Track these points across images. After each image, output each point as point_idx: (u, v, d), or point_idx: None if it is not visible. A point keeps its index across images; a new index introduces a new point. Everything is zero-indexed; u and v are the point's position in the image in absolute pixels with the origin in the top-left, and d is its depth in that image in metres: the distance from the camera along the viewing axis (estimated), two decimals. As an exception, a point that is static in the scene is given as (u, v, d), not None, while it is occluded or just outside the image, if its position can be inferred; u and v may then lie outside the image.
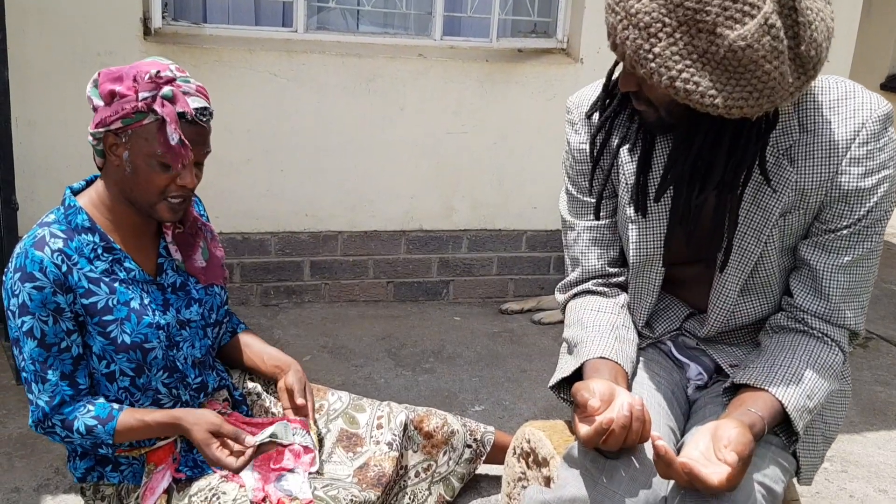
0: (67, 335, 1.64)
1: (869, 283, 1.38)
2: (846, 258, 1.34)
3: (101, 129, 1.63)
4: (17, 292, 1.60)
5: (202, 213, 1.95)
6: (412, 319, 3.45)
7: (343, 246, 3.49)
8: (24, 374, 1.65)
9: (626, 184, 1.43)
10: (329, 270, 3.50)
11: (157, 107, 1.57)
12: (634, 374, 1.44)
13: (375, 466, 1.94)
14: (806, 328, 1.38)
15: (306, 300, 3.51)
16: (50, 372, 1.63)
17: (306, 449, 1.85)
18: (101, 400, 1.70)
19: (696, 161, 1.26)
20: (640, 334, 1.52)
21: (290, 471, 1.82)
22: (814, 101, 1.32)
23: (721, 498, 1.16)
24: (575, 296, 1.55)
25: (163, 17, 3.05)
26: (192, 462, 1.83)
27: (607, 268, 1.54)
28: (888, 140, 1.31)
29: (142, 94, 1.57)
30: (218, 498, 1.75)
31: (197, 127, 1.63)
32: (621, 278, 1.54)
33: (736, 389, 1.35)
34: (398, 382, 2.86)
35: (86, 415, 1.67)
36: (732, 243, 1.35)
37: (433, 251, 3.60)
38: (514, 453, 1.78)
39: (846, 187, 1.31)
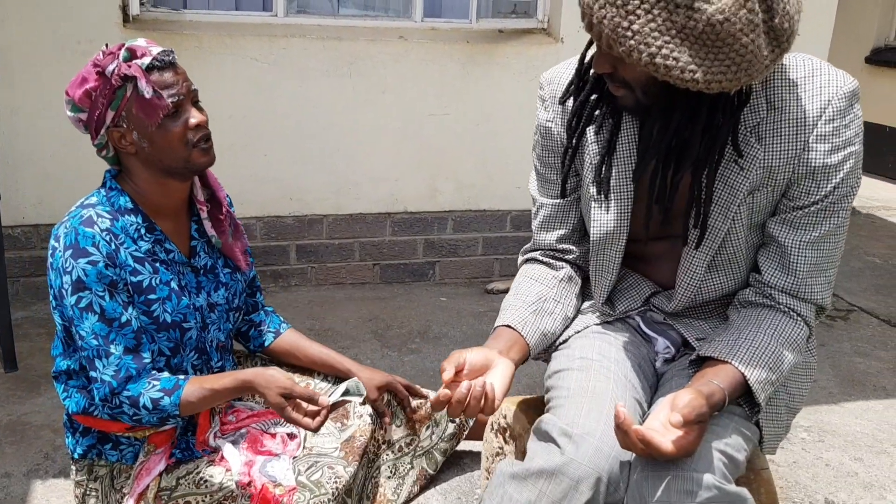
0: (125, 308, 1.64)
1: (835, 258, 1.41)
2: (814, 234, 1.37)
3: (102, 133, 1.65)
4: (69, 269, 1.60)
5: (229, 203, 1.96)
6: (398, 301, 3.48)
7: (328, 229, 3.51)
8: (85, 352, 1.64)
9: (591, 164, 1.46)
10: (315, 254, 3.53)
11: (125, 71, 1.59)
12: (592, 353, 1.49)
13: (361, 437, 1.98)
14: (773, 303, 1.42)
15: (293, 284, 3.54)
16: (112, 346, 1.63)
17: (291, 436, 1.89)
18: (166, 373, 1.71)
19: (673, 140, 1.29)
20: (601, 311, 1.56)
21: (276, 456, 1.86)
22: (781, 79, 1.34)
23: (680, 465, 1.19)
24: (525, 262, 1.62)
25: (142, 4, 3.06)
26: (185, 444, 1.87)
27: (556, 244, 1.59)
28: (854, 117, 1.33)
29: (108, 70, 1.60)
30: (205, 480, 1.79)
31: (169, 68, 1.65)
32: (570, 256, 1.60)
33: (701, 362, 1.38)
34: (384, 363, 2.90)
35: (151, 389, 1.67)
36: (707, 220, 1.38)
37: (418, 233, 3.63)
38: (493, 429, 1.83)
39: (813, 164, 1.34)
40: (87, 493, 1.91)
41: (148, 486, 1.79)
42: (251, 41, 3.18)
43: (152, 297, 1.70)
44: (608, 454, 1.24)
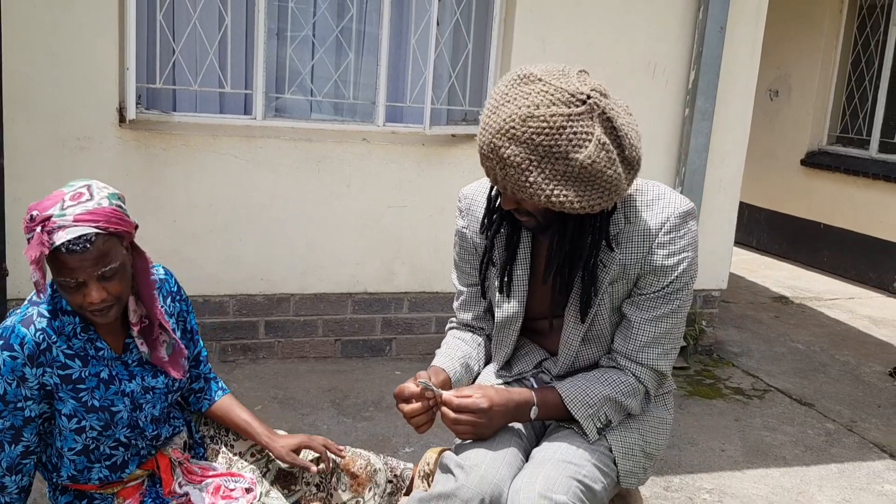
0: (24, 399, 1.91)
1: (672, 334, 1.80)
2: (654, 313, 1.77)
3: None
4: None
5: (173, 288, 2.19)
6: (357, 374, 3.82)
7: (295, 307, 3.88)
8: None
9: (496, 267, 1.87)
10: (282, 329, 3.88)
11: (41, 240, 1.79)
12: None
13: None
14: (615, 364, 1.82)
15: (261, 356, 3.88)
16: (1, 420, 1.90)
17: (248, 490, 2.21)
18: (10, 485, 1.95)
19: (567, 246, 1.69)
20: (500, 374, 1.95)
21: (237, 500, 2.17)
22: (634, 200, 1.76)
23: (544, 491, 1.55)
24: (451, 329, 2.04)
25: (136, 107, 3.47)
26: (154, 494, 2.17)
27: (474, 322, 2.01)
28: (687, 230, 1.75)
29: (27, 237, 1.84)
30: (174, 523, 2.09)
31: (76, 255, 1.82)
32: (483, 330, 2.01)
33: None
34: (339, 429, 3.22)
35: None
36: (591, 302, 1.77)
37: (377, 311, 4.00)
38: (420, 475, 2.16)
39: (655, 264, 1.74)
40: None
41: None
42: (232, 140, 3.61)
43: (81, 386, 1.94)
44: (490, 481, 1.61)
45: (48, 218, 1.84)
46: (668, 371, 1.82)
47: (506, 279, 1.84)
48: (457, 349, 1.95)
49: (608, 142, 1.54)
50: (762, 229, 7.72)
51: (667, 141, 4.20)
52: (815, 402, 3.93)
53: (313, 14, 3.82)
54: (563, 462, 1.65)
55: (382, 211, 3.89)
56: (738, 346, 4.76)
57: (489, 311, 1.98)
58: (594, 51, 3.95)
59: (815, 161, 7.06)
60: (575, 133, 1.51)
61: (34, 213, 1.85)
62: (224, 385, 2.38)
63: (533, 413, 1.74)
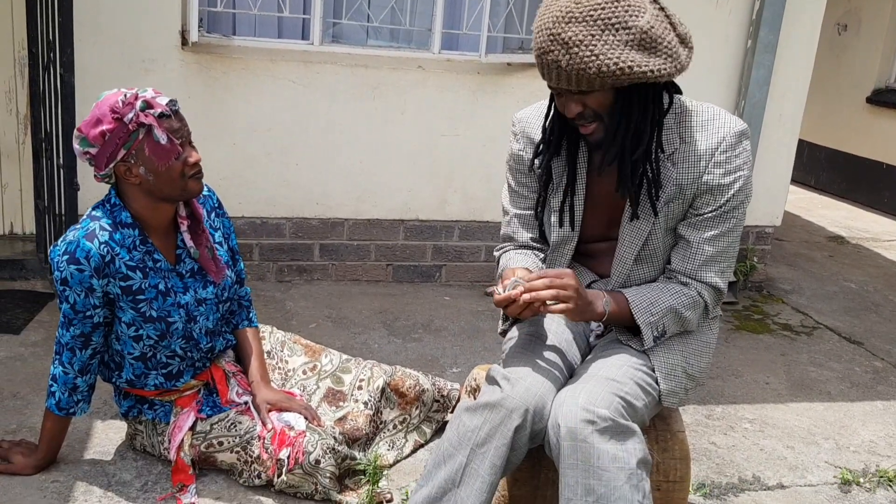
0: (93, 308, 2.05)
1: (729, 252, 1.84)
2: (711, 233, 1.81)
3: (110, 166, 1.98)
4: (61, 269, 2.00)
5: (215, 204, 2.31)
6: (407, 298, 3.93)
7: (349, 231, 3.97)
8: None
9: (553, 188, 1.90)
10: (336, 252, 3.99)
11: (142, 119, 1.92)
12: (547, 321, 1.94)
13: (352, 420, 2.38)
14: (675, 280, 1.86)
15: (315, 278, 4.01)
16: (72, 328, 2.07)
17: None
18: (80, 379, 2.13)
19: (629, 132, 1.69)
20: None
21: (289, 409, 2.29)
22: (690, 121, 1.78)
23: (586, 405, 1.62)
24: (505, 251, 2.04)
25: (198, 30, 3.54)
26: (213, 403, 2.31)
27: (532, 243, 2.02)
28: (742, 149, 1.77)
29: (127, 118, 1.92)
30: (234, 426, 2.22)
31: (176, 115, 1.98)
32: (542, 254, 2.02)
33: None
34: (389, 348, 3.33)
35: (58, 368, 2.11)
36: (658, 196, 1.77)
37: (428, 239, 4.08)
38: (467, 390, 2.26)
39: (712, 183, 1.77)
40: (135, 434, 2.36)
41: (182, 441, 2.21)
42: (290, 65, 3.66)
43: (140, 297, 2.08)
44: (535, 393, 1.68)
45: (136, 95, 1.94)
46: (725, 288, 1.87)
47: (564, 201, 1.88)
48: (525, 259, 1.97)
49: (659, 13, 1.61)
50: (822, 168, 7.54)
51: (728, 73, 4.13)
52: (865, 340, 3.92)
53: (371, -62, 3.81)
54: (606, 379, 1.71)
55: (436, 139, 3.92)
56: (790, 283, 4.74)
57: (542, 233, 2.02)
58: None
59: (882, 99, 6.83)
60: (630, 4, 1.58)
61: (120, 98, 1.92)
62: (254, 318, 2.47)
63: (605, 305, 1.77)
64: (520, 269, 1.77)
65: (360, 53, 3.77)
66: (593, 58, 1.57)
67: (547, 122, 1.84)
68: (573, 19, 1.57)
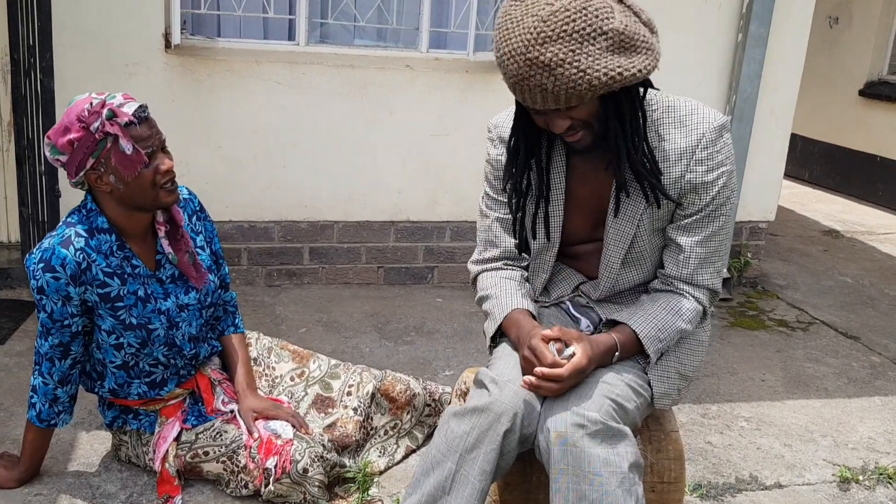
0: (70, 317, 2.01)
1: (720, 252, 1.80)
2: (701, 235, 1.76)
3: (80, 175, 1.94)
4: (37, 277, 1.95)
5: (196, 207, 2.25)
6: (398, 300, 3.88)
7: (338, 234, 3.93)
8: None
9: (532, 194, 1.84)
10: (326, 256, 3.94)
11: (108, 129, 1.88)
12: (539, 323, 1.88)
13: (341, 427, 2.33)
14: (672, 288, 1.81)
15: (305, 282, 3.96)
16: (51, 337, 2.02)
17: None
18: (61, 390, 2.08)
19: (627, 135, 1.65)
20: (536, 300, 1.95)
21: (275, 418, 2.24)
22: (667, 117, 1.73)
23: (576, 408, 1.58)
24: (485, 271, 1.95)
25: (181, 32, 3.49)
26: (198, 413, 2.26)
27: (514, 249, 1.93)
28: (723, 145, 1.72)
29: (93, 127, 1.88)
30: (220, 435, 2.18)
31: (144, 123, 1.93)
32: (524, 262, 1.96)
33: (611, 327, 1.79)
34: (381, 352, 3.29)
35: (38, 379, 2.07)
36: (659, 187, 1.71)
37: (419, 240, 4.04)
38: (457, 394, 2.22)
39: (696, 181, 1.72)
40: (120, 444, 2.32)
41: (167, 451, 2.17)
42: (275, 66, 3.62)
43: (119, 304, 2.03)
44: (523, 397, 1.64)
45: (103, 103, 1.90)
46: (720, 288, 1.83)
47: (536, 213, 1.84)
48: (517, 290, 1.89)
49: (624, 8, 1.55)
50: (815, 162, 7.52)
51: (719, 67, 4.09)
52: (861, 335, 3.88)
53: (356, -63, 3.76)
54: (596, 381, 1.67)
55: (426, 139, 3.88)
56: (784, 278, 4.70)
57: (524, 239, 1.97)
58: (644, -27, 3.83)
59: (874, 91, 6.81)
60: (596, 8, 1.50)
61: (87, 105, 1.88)
62: (240, 323, 2.42)
63: (614, 358, 1.75)
64: (525, 320, 1.79)
65: (346, 53, 3.73)
66: (581, 74, 1.50)
67: (511, 143, 1.78)
68: (547, 39, 1.49)
